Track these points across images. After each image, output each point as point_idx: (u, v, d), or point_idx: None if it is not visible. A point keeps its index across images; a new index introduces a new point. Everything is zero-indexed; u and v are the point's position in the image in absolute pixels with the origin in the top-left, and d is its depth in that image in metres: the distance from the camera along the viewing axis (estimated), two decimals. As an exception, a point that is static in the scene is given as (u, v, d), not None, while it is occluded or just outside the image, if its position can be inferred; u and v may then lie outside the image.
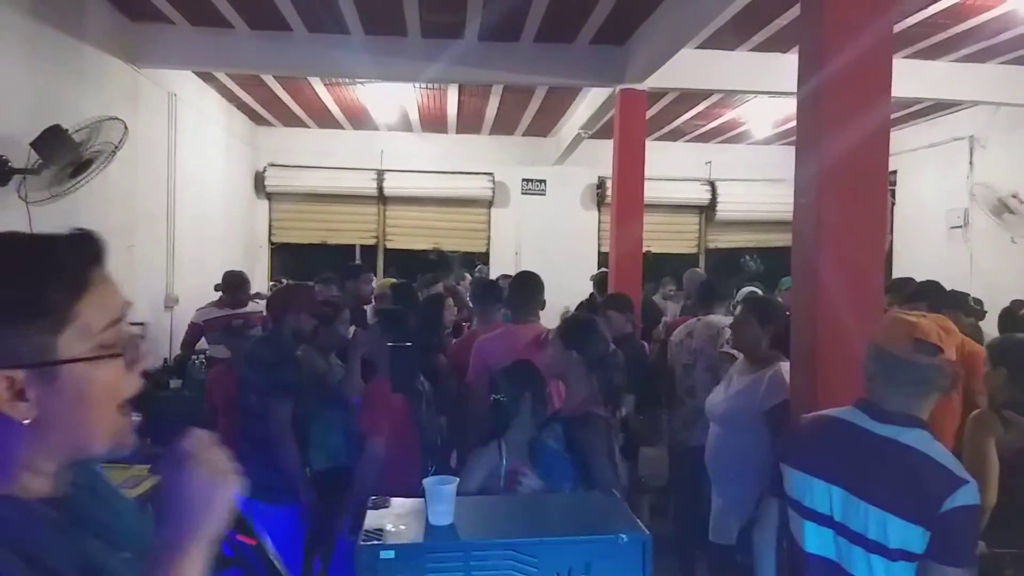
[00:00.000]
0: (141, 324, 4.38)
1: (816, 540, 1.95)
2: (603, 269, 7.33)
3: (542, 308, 3.92)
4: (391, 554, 1.51)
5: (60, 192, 4.30)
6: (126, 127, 4.49)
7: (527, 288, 3.91)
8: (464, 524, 1.62)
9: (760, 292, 5.78)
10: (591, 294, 7.40)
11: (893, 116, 7.96)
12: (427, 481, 1.71)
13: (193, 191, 7.06)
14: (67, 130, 4.24)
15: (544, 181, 10.11)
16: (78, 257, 0.89)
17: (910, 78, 6.17)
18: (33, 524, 0.85)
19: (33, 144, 4.11)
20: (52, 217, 4.41)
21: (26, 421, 0.84)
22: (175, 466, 0.90)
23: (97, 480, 1.02)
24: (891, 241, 8.99)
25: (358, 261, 10.10)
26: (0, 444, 0.85)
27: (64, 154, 4.22)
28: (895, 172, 9.03)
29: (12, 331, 0.83)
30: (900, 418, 1.87)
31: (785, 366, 3.17)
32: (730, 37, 5.74)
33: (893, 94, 3.02)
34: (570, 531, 1.62)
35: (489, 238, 10.21)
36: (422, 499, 1.72)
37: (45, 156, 4.13)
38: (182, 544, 0.87)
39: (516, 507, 1.89)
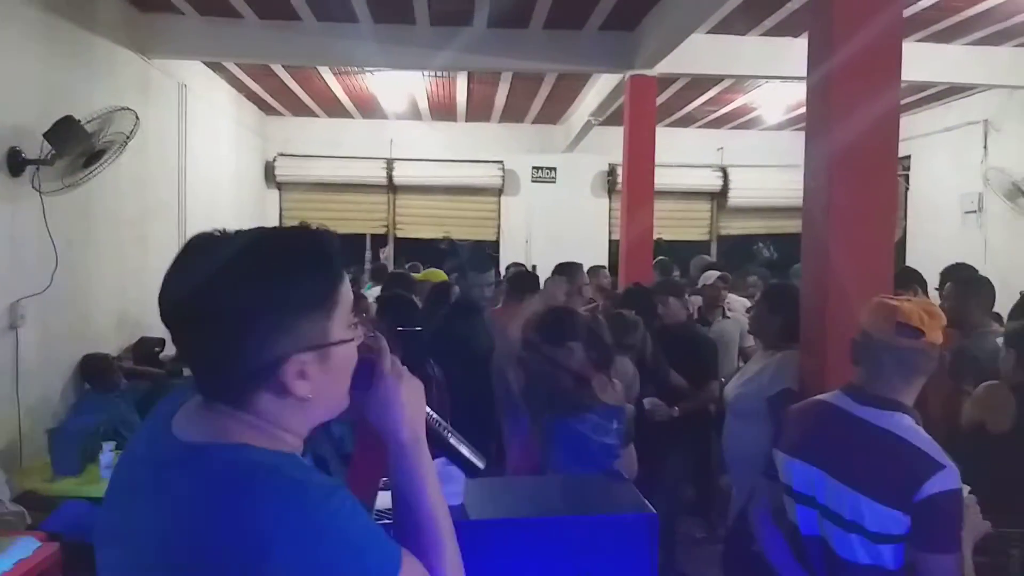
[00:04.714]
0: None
1: (806, 521, 1.98)
2: (661, 258, 7.21)
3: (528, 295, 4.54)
4: (401, 534, 1.53)
5: (73, 182, 4.34)
6: (137, 117, 4.51)
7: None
8: (474, 504, 1.64)
9: (721, 276, 5.58)
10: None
11: (906, 100, 7.90)
12: (436, 462, 1.72)
13: (204, 181, 7.10)
14: (79, 121, 4.27)
15: (554, 169, 10.09)
16: (333, 247, 1.00)
17: (923, 62, 6.13)
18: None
19: (46, 135, 4.14)
20: (65, 207, 4.46)
21: (306, 398, 0.94)
22: (388, 383, 1.05)
23: None
24: (904, 226, 8.93)
25: (368, 249, 10.14)
26: (279, 416, 0.95)
27: (77, 144, 4.25)
28: (908, 157, 8.96)
29: (300, 319, 0.94)
30: (880, 401, 1.88)
31: (793, 354, 3.16)
32: (741, 22, 5.70)
33: (906, 78, 3.01)
34: (577, 510, 1.64)
35: (499, 226, 10.22)
36: (432, 481, 1.73)
37: (58, 147, 4.16)
38: (417, 436, 1.07)
39: (525, 488, 1.91)
